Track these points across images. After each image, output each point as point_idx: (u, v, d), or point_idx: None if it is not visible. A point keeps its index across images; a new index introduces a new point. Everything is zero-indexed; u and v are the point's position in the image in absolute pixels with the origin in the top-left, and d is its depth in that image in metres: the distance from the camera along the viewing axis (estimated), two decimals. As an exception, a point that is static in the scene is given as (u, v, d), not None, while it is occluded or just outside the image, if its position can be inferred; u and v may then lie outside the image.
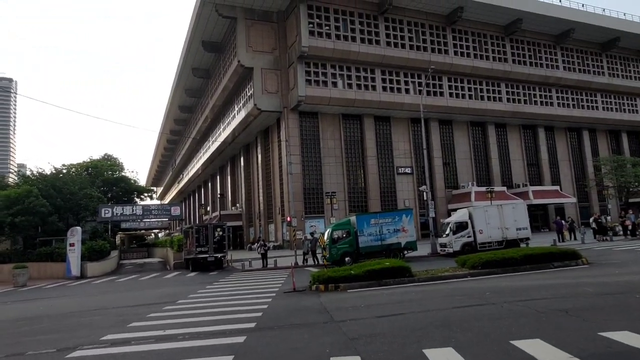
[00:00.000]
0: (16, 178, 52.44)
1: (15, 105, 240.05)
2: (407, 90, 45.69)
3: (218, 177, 71.11)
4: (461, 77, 48.48)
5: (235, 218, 56.27)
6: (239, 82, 46.77)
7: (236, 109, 49.13)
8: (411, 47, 45.52)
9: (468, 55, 48.36)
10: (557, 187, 53.05)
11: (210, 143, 61.54)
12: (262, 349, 7.41)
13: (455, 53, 47.69)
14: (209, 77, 57.45)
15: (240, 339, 8.06)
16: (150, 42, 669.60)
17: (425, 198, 30.21)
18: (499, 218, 25.38)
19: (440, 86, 47.40)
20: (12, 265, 28.38)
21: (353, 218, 24.99)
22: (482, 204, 35.49)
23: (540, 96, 52.75)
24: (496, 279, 14.30)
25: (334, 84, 42.83)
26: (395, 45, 44.82)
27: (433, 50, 46.47)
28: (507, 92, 50.89)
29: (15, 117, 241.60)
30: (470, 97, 48.76)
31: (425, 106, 32.92)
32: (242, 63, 42.07)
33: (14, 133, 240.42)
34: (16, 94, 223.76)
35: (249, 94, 44.31)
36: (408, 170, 47.63)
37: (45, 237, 33.06)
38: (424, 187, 30.08)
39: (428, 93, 45.42)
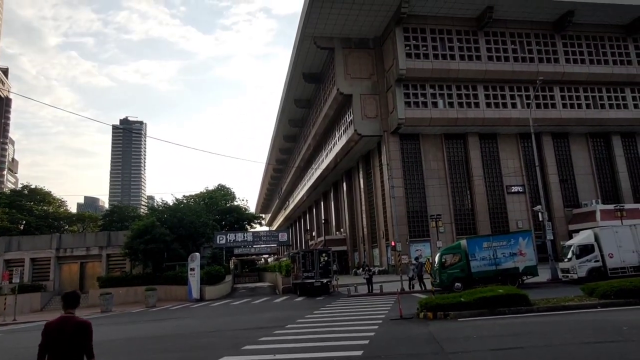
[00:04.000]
0: (146, 210, 58.75)
1: (145, 144, 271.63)
2: (513, 105, 43.08)
3: (322, 203, 72.77)
4: (575, 86, 44.49)
5: (340, 243, 56.82)
6: (339, 109, 47.93)
7: (337, 135, 50.27)
8: (515, 59, 43.06)
9: (582, 61, 44.35)
10: None
11: (314, 170, 63.47)
12: (370, 378, 7.30)
13: (567, 60, 44.03)
14: (310, 107, 59.76)
15: (348, 367, 8.03)
16: (255, 77, 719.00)
17: (540, 219, 27.85)
18: (633, 240, 22.43)
19: (552, 97, 43.92)
20: (145, 287, 31.67)
21: (464, 242, 23.83)
22: (610, 223, 31.66)
23: (677, 99, 46.24)
24: (634, 311, 12.55)
25: (434, 104, 41.92)
26: (498, 59, 42.75)
27: (541, 60, 43.45)
28: (634, 98, 45.50)
29: (145, 155, 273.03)
30: (587, 106, 44.42)
31: (535, 120, 30.75)
32: (341, 91, 43.16)
33: (144, 169, 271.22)
34: (146, 135, 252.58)
35: (349, 120, 45.15)
36: (519, 189, 44.41)
37: (170, 263, 36.43)
38: (538, 207, 27.80)
39: (538, 106, 42.37)
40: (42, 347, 4.45)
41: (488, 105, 42.52)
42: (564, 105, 43.89)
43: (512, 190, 44.24)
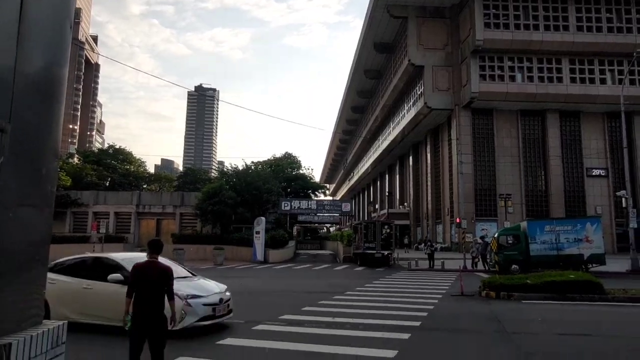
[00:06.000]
0: (216, 173, 61.53)
1: (217, 111, 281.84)
2: (602, 81, 39.60)
3: (387, 175, 72.20)
4: (679, 61, 39.96)
5: (403, 217, 56.36)
6: (410, 81, 46.68)
7: (406, 108, 49.17)
8: (610, 29, 39.29)
9: (691, 32, 39.58)
10: None
11: (380, 142, 62.82)
12: (427, 348, 7.39)
13: (672, 31, 39.49)
14: (380, 78, 58.69)
15: (405, 336, 8.15)
16: (326, 46, 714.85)
17: (624, 205, 25.84)
18: None
19: (649, 73, 39.82)
20: (213, 246, 33.55)
21: (524, 223, 23.02)
22: None
23: None
24: None
25: (512, 78, 39.58)
26: (589, 29, 39.23)
27: (640, 30, 39.34)
28: None
29: (217, 121, 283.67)
30: (693, 83, 39.86)
31: (627, 97, 28.06)
32: (412, 62, 41.89)
33: (216, 135, 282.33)
34: (219, 101, 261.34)
35: (419, 93, 43.92)
36: (602, 172, 41.27)
37: (237, 225, 38.16)
38: (622, 192, 25.75)
39: (632, 82, 38.58)
40: (131, 285, 5.00)
41: (572, 80, 39.45)
42: (663, 82, 39.68)
43: (593, 174, 41.25)
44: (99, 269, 8.60)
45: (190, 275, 9.70)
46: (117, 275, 7.95)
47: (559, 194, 40.64)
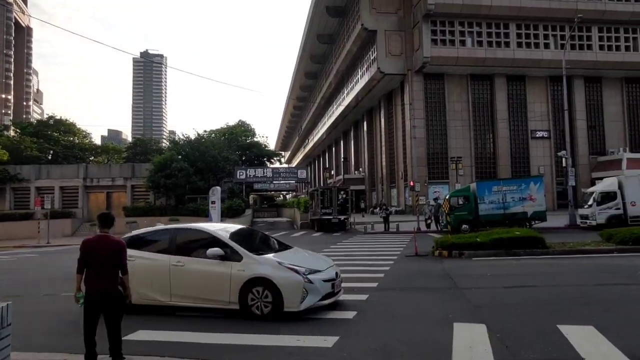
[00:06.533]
0: (167, 143, 59.65)
1: (166, 78, 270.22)
2: (546, 45, 41.02)
3: (342, 141, 72.55)
4: (616, 26, 41.85)
5: (358, 182, 57.21)
6: (363, 46, 46.43)
7: (359, 73, 49.08)
8: (554, -5, 40.43)
9: (627, -1, 41.43)
10: None
11: (334, 108, 62.71)
12: (384, 308, 7.64)
13: (610, -2, 41.17)
14: (333, 43, 57.98)
15: (363, 297, 8.40)
16: (278, 9, 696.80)
17: (564, 165, 27.38)
18: (658, 189, 21.98)
19: (589, 38, 41.58)
20: (168, 218, 32.85)
21: (473, 185, 24.01)
22: (636, 172, 30.94)
23: None
24: (650, 257, 12.59)
25: (462, 43, 40.21)
26: (535, -6, 40.21)
27: (582, -4, 40.70)
28: (678, 40, 42.76)
29: (166, 89, 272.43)
30: (627, 49, 42.03)
31: (568, 62, 29.31)
32: (365, 26, 41.57)
33: (165, 103, 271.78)
34: (167, 66, 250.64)
35: (372, 58, 43.85)
36: (544, 134, 43.36)
37: (191, 195, 37.44)
38: (563, 152, 27.24)
39: (572, 47, 40.21)
40: (81, 261, 4.78)
41: (519, 45, 40.63)
42: (601, 47, 41.63)
43: (537, 135, 43.28)
44: (190, 243, 7.83)
45: (287, 245, 8.60)
46: (218, 250, 7.22)
47: (505, 156, 42.46)
